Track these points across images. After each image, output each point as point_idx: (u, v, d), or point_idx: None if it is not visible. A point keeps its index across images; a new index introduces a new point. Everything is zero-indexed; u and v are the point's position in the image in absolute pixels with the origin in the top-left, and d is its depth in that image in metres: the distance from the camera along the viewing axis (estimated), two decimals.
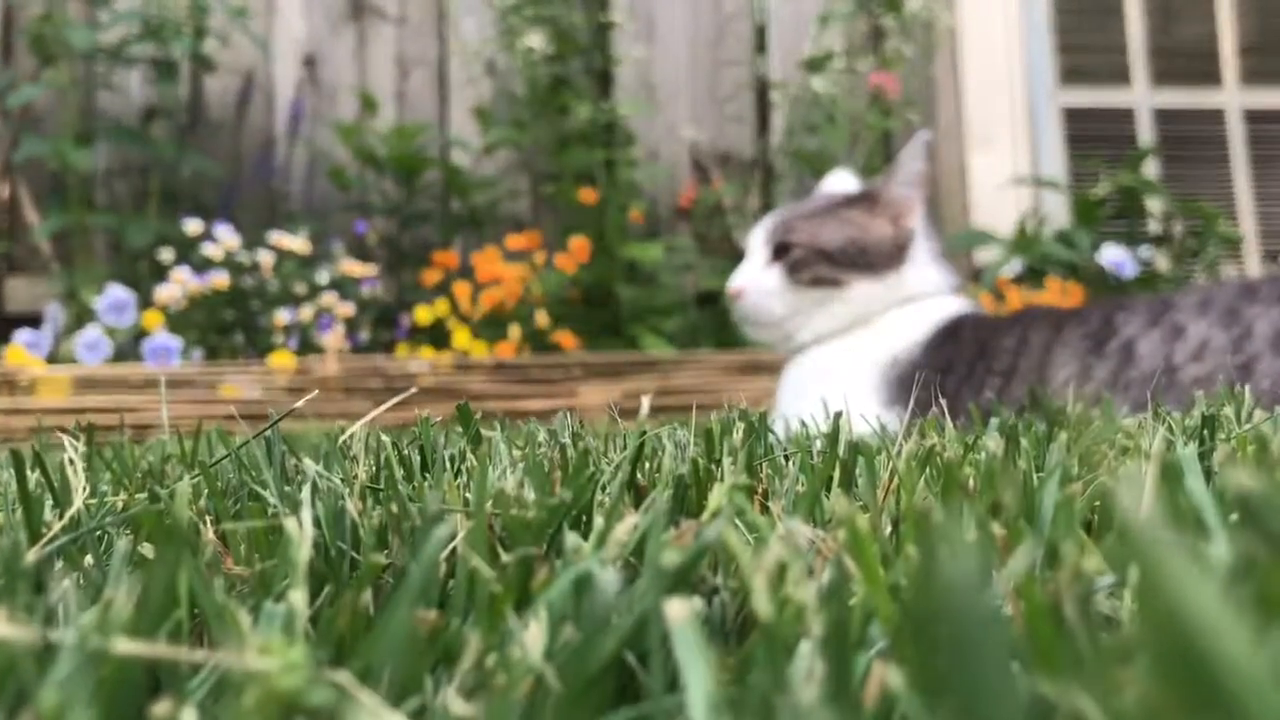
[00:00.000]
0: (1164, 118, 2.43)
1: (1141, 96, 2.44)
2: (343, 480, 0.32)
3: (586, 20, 2.10)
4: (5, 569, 0.21)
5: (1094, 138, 2.37)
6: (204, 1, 1.91)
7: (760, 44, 2.27)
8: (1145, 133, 2.42)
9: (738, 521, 0.25)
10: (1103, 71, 2.43)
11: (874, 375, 0.91)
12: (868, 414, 0.82)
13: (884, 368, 0.91)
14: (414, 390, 0.55)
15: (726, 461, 0.31)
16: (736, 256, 2.07)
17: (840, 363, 0.94)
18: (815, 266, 0.95)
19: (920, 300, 0.96)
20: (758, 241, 1.00)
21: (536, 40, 1.92)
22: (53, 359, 1.64)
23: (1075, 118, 2.39)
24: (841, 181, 1.08)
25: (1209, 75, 2.45)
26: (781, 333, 0.98)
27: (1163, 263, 2.03)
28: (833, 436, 0.33)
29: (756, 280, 0.97)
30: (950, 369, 0.88)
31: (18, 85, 1.92)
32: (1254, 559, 0.17)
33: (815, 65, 2.02)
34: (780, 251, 0.97)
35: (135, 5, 1.89)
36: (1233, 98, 2.45)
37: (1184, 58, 2.45)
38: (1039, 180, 2.22)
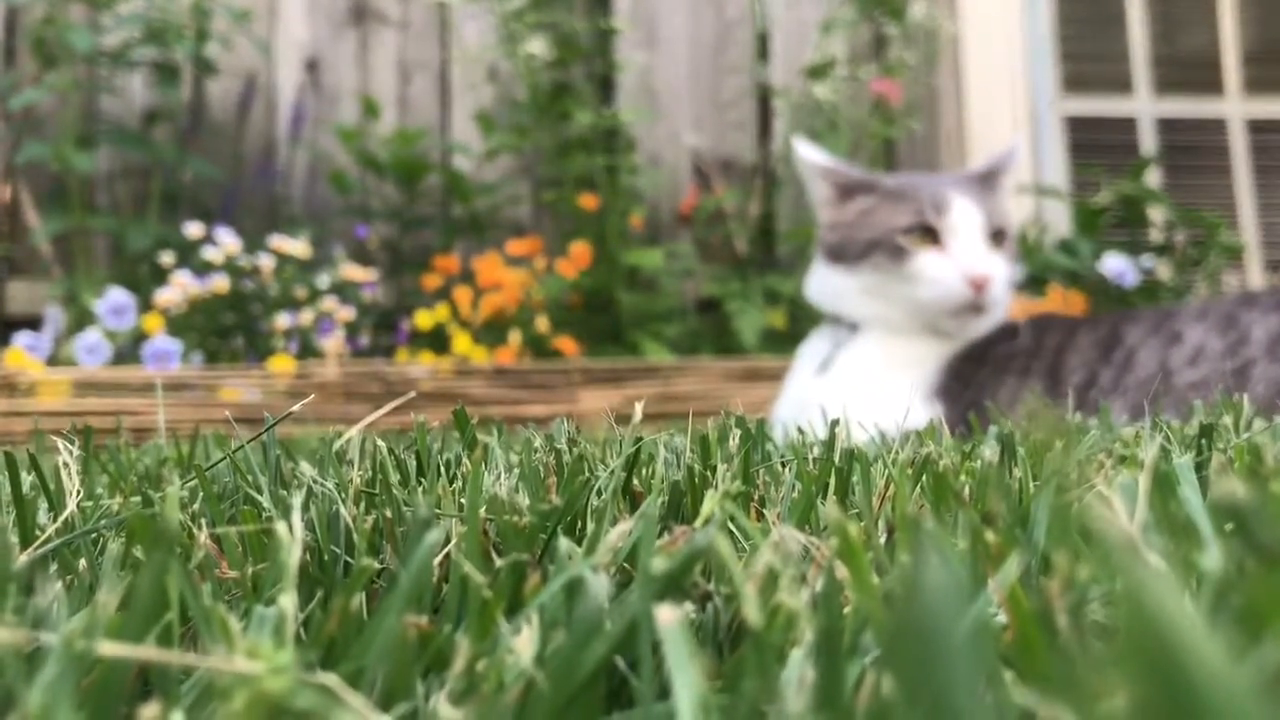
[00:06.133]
0: (1166, 127, 2.43)
1: (1144, 105, 2.44)
2: (337, 485, 0.32)
3: (588, 26, 2.10)
4: None
5: (1096, 146, 2.37)
6: (206, 5, 1.91)
7: (762, 51, 2.28)
8: (1147, 141, 2.42)
9: (731, 528, 0.25)
10: (1105, 80, 2.43)
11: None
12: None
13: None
14: (414, 395, 0.55)
15: (721, 468, 0.31)
16: (737, 263, 2.08)
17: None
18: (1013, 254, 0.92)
19: None
20: (972, 223, 0.88)
21: (538, 46, 1.92)
22: (52, 361, 1.64)
23: (1077, 126, 2.40)
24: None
25: (1211, 85, 2.45)
26: (986, 323, 0.90)
27: (1165, 272, 2.03)
28: (829, 444, 0.33)
29: (998, 268, 0.88)
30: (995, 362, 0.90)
31: (20, 88, 1.92)
32: (1243, 569, 0.17)
33: (817, 72, 2.02)
34: (997, 238, 0.90)
35: (137, 9, 1.89)
36: (1235, 107, 2.45)
37: (1186, 67, 2.45)
38: (1041, 188, 2.23)
